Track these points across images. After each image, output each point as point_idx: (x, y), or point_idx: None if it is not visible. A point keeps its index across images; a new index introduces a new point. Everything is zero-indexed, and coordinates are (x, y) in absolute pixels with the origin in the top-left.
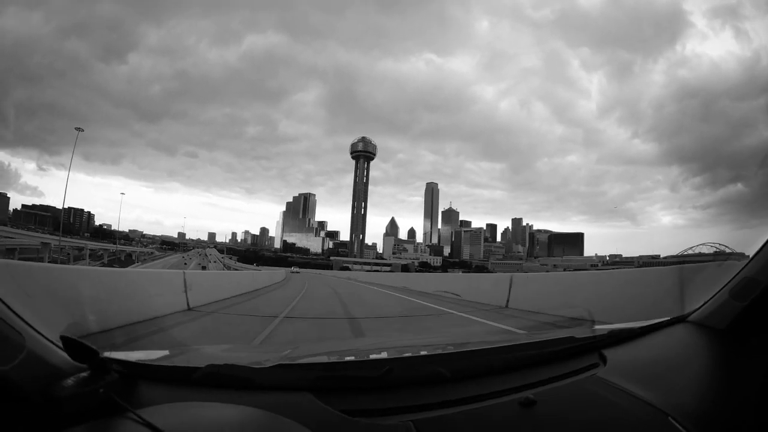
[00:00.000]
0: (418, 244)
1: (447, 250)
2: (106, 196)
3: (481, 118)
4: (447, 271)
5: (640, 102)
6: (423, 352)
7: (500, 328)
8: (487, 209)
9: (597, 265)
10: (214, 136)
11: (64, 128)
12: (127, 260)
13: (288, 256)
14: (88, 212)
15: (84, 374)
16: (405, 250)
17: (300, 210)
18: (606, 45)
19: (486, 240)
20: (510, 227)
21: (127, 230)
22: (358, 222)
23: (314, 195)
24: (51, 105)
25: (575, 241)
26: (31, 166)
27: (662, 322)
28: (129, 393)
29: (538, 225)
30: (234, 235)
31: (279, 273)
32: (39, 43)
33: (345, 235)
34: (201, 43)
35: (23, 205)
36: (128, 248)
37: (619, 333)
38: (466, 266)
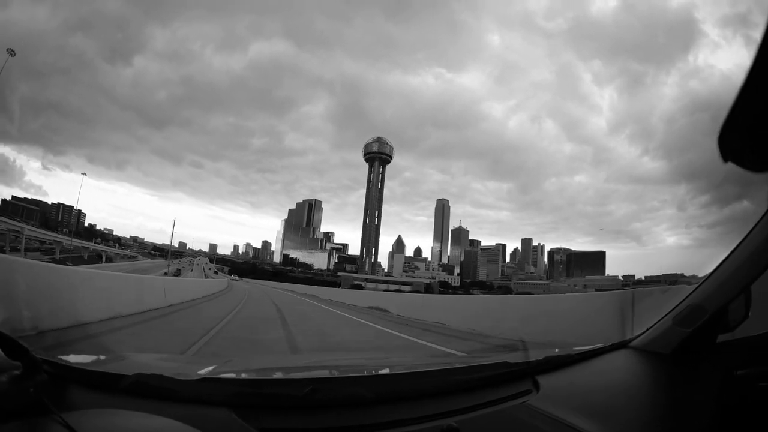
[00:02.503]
0: (429, 262)
1: (456, 270)
2: (111, 201)
3: (490, 135)
4: (470, 293)
5: (651, 117)
6: (349, 374)
7: (444, 351)
8: (492, 230)
9: (629, 285)
10: (219, 146)
11: (70, 129)
12: (92, 260)
13: (288, 270)
14: (79, 210)
15: (16, 372)
16: (417, 268)
17: (304, 219)
18: (618, 55)
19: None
20: (519, 247)
21: (128, 236)
22: (371, 234)
23: (320, 202)
24: (56, 104)
25: (596, 260)
26: (36, 164)
27: (601, 347)
28: (58, 395)
29: (547, 246)
30: (236, 247)
31: (215, 283)
32: (44, 38)
33: (352, 252)
34: (206, 49)
35: (13, 197)
36: (93, 245)
37: (556, 359)
38: (485, 287)
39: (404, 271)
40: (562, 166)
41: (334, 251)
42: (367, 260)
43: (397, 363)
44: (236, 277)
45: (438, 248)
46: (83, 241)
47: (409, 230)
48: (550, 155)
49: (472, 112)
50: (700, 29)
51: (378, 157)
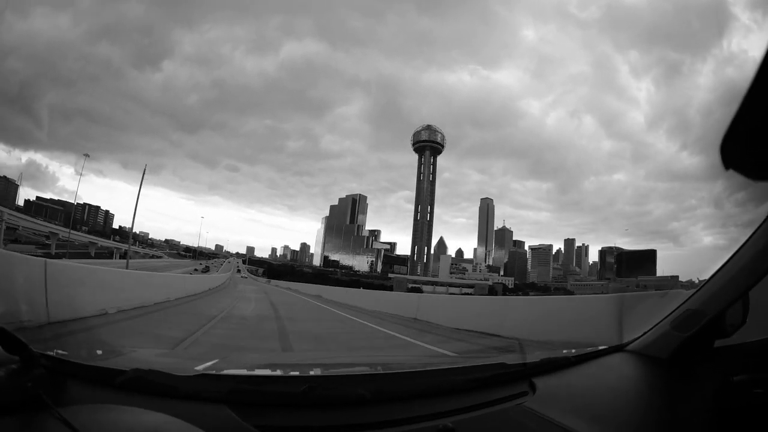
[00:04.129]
0: (477, 264)
1: (501, 272)
2: (147, 206)
3: (529, 134)
4: (528, 294)
5: (689, 109)
6: (345, 372)
7: (437, 352)
8: (532, 231)
9: (687, 286)
10: (255, 150)
11: (102, 135)
12: (99, 257)
13: (330, 272)
14: (106, 211)
15: (14, 366)
16: (465, 270)
17: (347, 216)
18: (654, 44)
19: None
20: (562, 248)
21: (162, 239)
22: (423, 231)
23: (365, 197)
24: (86, 110)
25: (647, 259)
26: (69, 170)
27: (598, 350)
28: (55, 390)
29: (591, 246)
30: (273, 250)
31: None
32: (69, 47)
33: (398, 251)
34: (236, 52)
35: (38, 197)
36: (103, 241)
37: (552, 361)
38: (539, 289)
39: (451, 273)
40: (601, 164)
41: (382, 251)
42: (422, 259)
43: (394, 362)
44: (245, 275)
45: (483, 249)
46: (90, 236)
47: (449, 232)
48: (589, 153)
49: (509, 110)
50: (731, 12)
51: (429, 145)
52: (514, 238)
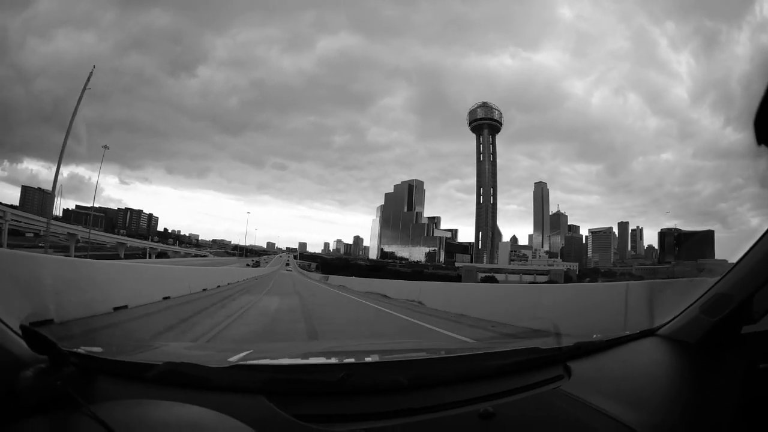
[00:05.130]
0: (536, 250)
1: (559, 257)
2: (196, 209)
3: (575, 114)
4: (596, 281)
5: (730, 81)
6: (381, 358)
7: (460, 339)
8: (582, 216)
9: None
10: (302, 147)
11: (143, 143)
12: (131, 257)
13: (388, 263)
14: (150, 214)
15: (43, 365)
16: (525, 257)
17: (404, 203)
18: (689, 13)
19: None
20: (616, 232)
21: (211, 240)
22: (487, 215)
23: (422, 183)
24: (124, 121)
25: (705, 241)
26: (114, 180)
27: (630, 335)
28: (85, 387)
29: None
30: (326, 245)
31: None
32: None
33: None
34: (271, 51)
35: (77, 206)
36: (132, 240)
37: (586, 346)
38: (603, 275)
39: (511, 260)
40: (648, 143)
41: (444, 239)
42: (485, 248)
43: (428, 348)
44: (290, 268)
45: (539, 235)
46: (118, 237)
47: (502, 219)
48: (636, 132)
49: (554, 91)
50: None
51: (486, 123)
52: (569, 223)
